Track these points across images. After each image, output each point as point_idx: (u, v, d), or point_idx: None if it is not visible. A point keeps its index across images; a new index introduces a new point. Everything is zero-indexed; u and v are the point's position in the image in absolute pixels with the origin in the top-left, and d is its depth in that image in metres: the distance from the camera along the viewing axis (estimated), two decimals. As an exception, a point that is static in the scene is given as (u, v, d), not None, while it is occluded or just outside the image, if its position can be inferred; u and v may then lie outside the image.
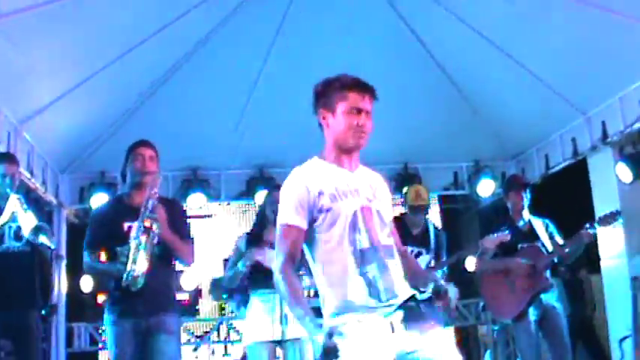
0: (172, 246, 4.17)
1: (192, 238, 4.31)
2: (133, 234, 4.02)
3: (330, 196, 2.94)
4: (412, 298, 2.96)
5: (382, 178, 3.25)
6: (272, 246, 4.91)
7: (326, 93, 3.08)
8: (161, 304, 4.15)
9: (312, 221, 2.95)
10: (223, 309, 9.31)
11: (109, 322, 4.13)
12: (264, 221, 5.14)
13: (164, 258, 4.18)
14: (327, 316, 2.92)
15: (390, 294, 2.88)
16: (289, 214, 2.95)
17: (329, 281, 2.93)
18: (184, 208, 4.43)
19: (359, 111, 2.99)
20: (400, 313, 2.90)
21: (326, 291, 2.94)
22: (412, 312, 2.94)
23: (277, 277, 2.91)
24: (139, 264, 3.96)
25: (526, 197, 5.73)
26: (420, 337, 2.90)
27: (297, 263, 2.95)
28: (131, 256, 3.95)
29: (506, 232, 5.27)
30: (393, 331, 2.86)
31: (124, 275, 3.94)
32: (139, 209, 4.05)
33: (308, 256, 3.04)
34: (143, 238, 3.99)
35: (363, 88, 3.02)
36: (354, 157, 3.10)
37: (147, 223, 4.00)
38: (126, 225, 4.12)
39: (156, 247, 4.06)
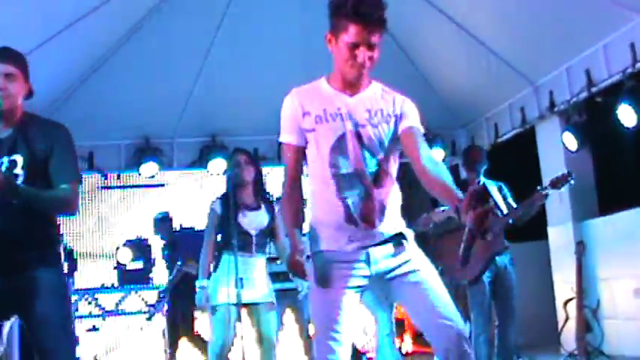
0: (34, 204, 3.14)
1: (79, 176, 3.40)
2: None
3: (315, 117, 2.94)
4: (399, 235, 2.97)
5: (401, 98, 3.06)
6: (247, 207, 5.01)
7: (334, 15, 2.89)
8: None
9: (305, 141, 2.99)
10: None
11: None
12: (234, 184, 5.06)
13: (27, 207, 3.10)
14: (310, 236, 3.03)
15: (369, 222, 2.91)
16: (283, 132, 3.02)
17: (313, 200, 3.04)
18: (70, 136, 3.31)
19: (359, 45, 2.81)
20: (381, 249, 2.92)
21: (312, 209, 3.05)
22: (397, 248, 2.95)
23: (281, 196, 3.11)
24: None
25: (481, 178, 5.79)
26: (411, 260, 2.92)
27: (300, 179, 3.06)
28: None
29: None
30: (368, 264, 2.91)
31: None
32: None
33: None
34: None
35: (368, 19, 2.79)
36: (359, 81, 2.96)
37: None
38: None
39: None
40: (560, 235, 7.45)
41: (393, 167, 3.03)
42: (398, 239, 2.97)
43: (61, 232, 3.55)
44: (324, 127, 2.92)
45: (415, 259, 2.94)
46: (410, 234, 3.03)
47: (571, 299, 6.39)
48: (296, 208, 3.07)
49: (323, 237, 2.96)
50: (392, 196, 3.00)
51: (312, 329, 6.35)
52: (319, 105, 2.95)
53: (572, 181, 5.41)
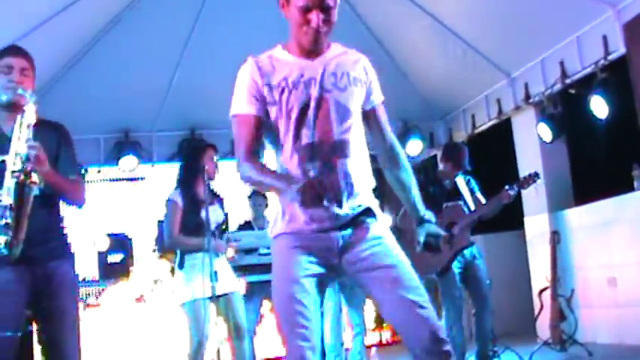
0: (58, 187, 3.24)
1: (83, 174, 3.50)
2: (3, 190, 3.06)
3: (277, 88, 2.69)
4: (366, 213, 2.72)
5: (364, 61, 2.88)
6: (203, 203, 5.02)
7: None
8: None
9: (266, 113, 2.71)
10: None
11: None
12: (195, 178, 5.04)
13: (46, 199, 3.23)
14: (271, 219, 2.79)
15: (334, 197, 2.62)
16: (239, 104, 2.73)
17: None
18: (71, 136, 3.47)
19: (312, 8, 2.62)
20: (347, 234, 2.68)
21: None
22: (365, 231, 2.70)
23: (241, 170, 2.69)
24: (15, 229, 3.02)
25: (458, 175, 5.89)
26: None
27: (259, 154, 2.74)
28: (3, 220, 3.01)
29: None
30: (333, 252, 2.67)
31: None
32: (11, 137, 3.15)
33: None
34: (15, 197, 3.03)
35: None
36: (316, 47, 2.73)
37: (22, 177, 3.02)
38: None
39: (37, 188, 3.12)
40: (536, 224, 7.55)
41: (360, 135, 2.80)
42: (364, 219, 2.72)
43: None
44: (286, 97, 2.68)
45: (389, 248, 2.70)
46: (378, 210, 2.79)
47: (546, 288, 6.48)
48: (263, 167, 2.71)
49: (285, 217, 2.70)
50: (360, 166, 2.74)
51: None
52: (280, 74, 2.71)
53: (538, 181, 5.60)
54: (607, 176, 7.46)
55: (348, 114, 2.73)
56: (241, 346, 4.96)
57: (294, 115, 2.67)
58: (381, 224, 2.77)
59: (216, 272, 4.77)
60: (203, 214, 4.92)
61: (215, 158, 5.11)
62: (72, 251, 3.51)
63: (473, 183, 5.91)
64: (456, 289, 5.56)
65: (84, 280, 8.79)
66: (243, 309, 5.03)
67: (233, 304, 4.93)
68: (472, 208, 5.73)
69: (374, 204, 2.78)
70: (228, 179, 5.65)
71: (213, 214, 5.00)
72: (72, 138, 3.47)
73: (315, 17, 2.62)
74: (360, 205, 2.71)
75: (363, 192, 2.73)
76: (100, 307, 8.45)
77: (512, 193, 5.49)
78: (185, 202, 5.01)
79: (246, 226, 6.64)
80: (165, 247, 5.13)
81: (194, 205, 4.97)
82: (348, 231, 2.69)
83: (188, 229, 4.95)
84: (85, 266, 8.90)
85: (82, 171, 3.56)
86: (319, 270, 2.66)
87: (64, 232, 3.46)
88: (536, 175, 5.60)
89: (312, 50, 2.73)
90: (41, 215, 3.19)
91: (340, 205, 2.66)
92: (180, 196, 5.04)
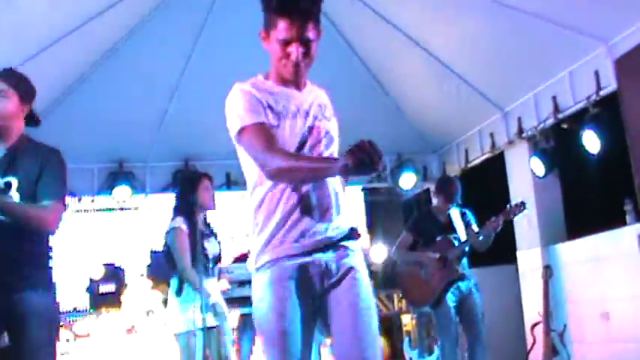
0: (12, 214, 3.08)
1: (63, 197, 3.28)
2: None
3: (277, 113, 2.67)
4: (351, 235, 2.74)
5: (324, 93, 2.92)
6: (203, 233, 5.01)
7: (264, 10, 2.69)
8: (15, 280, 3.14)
9: None
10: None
11: None
12: (192, 208, 5.01)
13: (13, 226, 3.10)
14: (254, 250, 2.71)
15: (325, 211, 2.65)
16: (245, 116, 2.63)
17: (262, 202, 2.68)
18: (62, 161, 3.32)
19: (291, 42, 2.62)
20: (331, 257, 2.66)
21: (260, 214, 2.68)
22: (343, 256, 2.69)
23: (269, 161, 2.53)
24: None
25: (452, 208, 5.94)
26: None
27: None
28: None
29: None
30: (319, 278, 2.65)
31: None
32: None
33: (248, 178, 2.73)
34: None
35: (294, 12, 2.58)
36: (297, 80, 2.75)
37: None
38: None
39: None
40: (528, 259, 7.54)
41: None
42: (348, 247, 2.71)
43: (50, 254, 3.38)
44: (287, 123, 2.68)
45: (362, 283, 2.68)
46: (360, 233, 2.80)
47: (538, 323, 6.45)
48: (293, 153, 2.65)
49: (271, 244, 2.65)
50: (341, 189, 2.76)
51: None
52: (277, 100, 2.70)
53: (525, 211, 5.62)
54: (599, 211, 7.46)
55: (332, 141, 2.79)
56: None
57: (293, 143, 2.67)
58: (360, 254, 2.77)
59: (213, 304, 4.76)
60: (206, 243, 4.94)
61: (211, 188, 5.13)
62: (51, 282, 3.37)
63: (469, 216, 5.95)
64: (452, 323, 5.55)
65: (74, 309, 8.75)
66: (230, 341, 5.03)
67: (222, 337, 4.92)
68: (463, 240, 5.76)
69: (356, 225, 2.81)
70: (221, 211, 5.65)
71: (211, 246, 5.01)
72: (61, 162, 3.34)
73: (295, 50, 2.63)
74: (345, 225, 2.73)
75: (347, 213, 2.77)
76: (89, 337, 8.37)
77: (495, 223, 5.53)
78: (190, 230, 4.97)
79: (243, 258, 6.62)
80: (180, 276, 4.96)
81: (196, 235, 4.95)
82: (332, 256, 2.66)
83: (191, 258, 4.92)
84: (75, 296, 8.86)
85: (67, 199, 3.35)
86: (306, 303, 2.63)
87: (43, 262, 3.33)
88: (523, 204, 5.63)
89: (294, 81, 2.75)
90: (9, 243, 3.10)
91: (331, 219, 2.67)
92: (185, 224, 4.99)
